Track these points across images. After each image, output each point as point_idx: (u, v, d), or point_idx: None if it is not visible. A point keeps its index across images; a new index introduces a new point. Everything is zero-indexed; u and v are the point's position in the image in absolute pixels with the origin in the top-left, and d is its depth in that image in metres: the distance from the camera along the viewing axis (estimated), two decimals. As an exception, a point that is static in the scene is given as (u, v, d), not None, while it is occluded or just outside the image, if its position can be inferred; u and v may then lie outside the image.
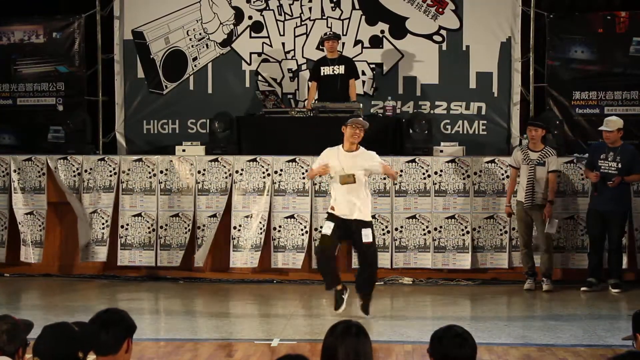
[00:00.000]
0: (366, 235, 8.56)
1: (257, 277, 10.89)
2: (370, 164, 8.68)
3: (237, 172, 10.84)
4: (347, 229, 8.62)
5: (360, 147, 8.76)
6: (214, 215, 10.84)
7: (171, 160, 10.97)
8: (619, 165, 10.02)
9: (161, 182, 10.95)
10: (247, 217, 10.80)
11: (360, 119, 8.79)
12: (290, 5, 12.37)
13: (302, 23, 12.38)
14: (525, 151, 10.29)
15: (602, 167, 10.08)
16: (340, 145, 8.74)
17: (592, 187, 10.22)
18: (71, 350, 3.71)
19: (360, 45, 12.27)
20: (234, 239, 10.80)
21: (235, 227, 10.80)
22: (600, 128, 10.29)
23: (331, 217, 8.68)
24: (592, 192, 10.19)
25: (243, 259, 10.79)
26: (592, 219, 10.20)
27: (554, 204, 10.20)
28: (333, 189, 8.78)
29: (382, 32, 12.23)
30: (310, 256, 10.66)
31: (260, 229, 10.75)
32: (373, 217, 10.32)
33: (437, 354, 3.72)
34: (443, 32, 12.15)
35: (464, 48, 12.12)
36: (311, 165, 10.64)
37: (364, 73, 12.14)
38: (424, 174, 10.69)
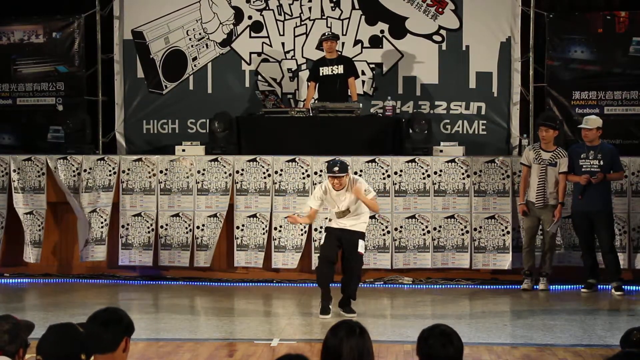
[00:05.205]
0: (361, 246, 8.84)
1: (257, 277, 10.90)
2: (359, 190, 8.74)
3: (237, 172, 10.84)
4: (341, 235, 8.81)
5: (350, 176, 8.85)
6: (214, 215, 10.85)
7: (171, 160, 10.98)
8: (601, 163, 10.04)
9: (161, 182, 10.95)
10: (250, 217, 10.81)
11: (336, 168, 8.68)
12: (290, 5, 12.37)
13: (302, 23, 12.38)
14: (537, 150, 10.26)
15: (584, 167, 10.09)
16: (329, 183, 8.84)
17: (577, 191, 10.17)
18: (75, 351, 3.71)
19: (360, 45, 12.27)
20: (237, 238, 10.80)
21: (238, 227, 10.81)
22: (579, 126, 10.34)
23: (327, 229, 8.99)
24: (576, 195, 10.16)
25: (247, 258, 10.81)
26: (578, 220, 10.20)
27: (564, 205, 10.20)
28: (330, 213, 9.04)
29: (382, 32, 12.24)
30: (309, 257, 10.67)
31: (263, 229, 10.76)
32: (373, 217, 10.36)
33: (421, 353, 3.73)
34: (443, 32, 12.15)
35: (464, 48, 12.12)
36: (310, 167, 10.68)
37: (363, 73, 12.15)
38: (423, 173, 10.69)
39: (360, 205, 8.84)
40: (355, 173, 10.17)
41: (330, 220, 9.00)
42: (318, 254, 9.21)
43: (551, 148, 10.25)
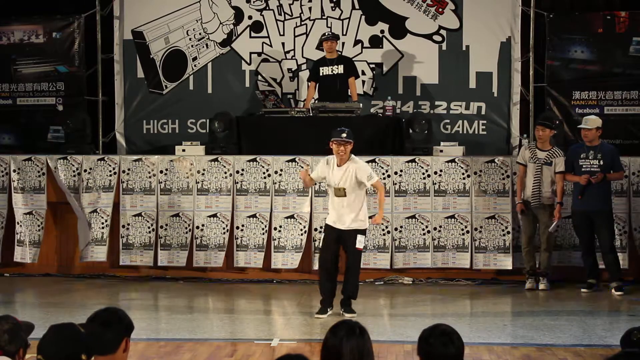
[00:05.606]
0: (359, 242, 8.68)
1: (257, 277, 10.90)
2: (359, 177, 8.62)
3: (237, 172, 10.84)
4: (340, 234, 8.71)
5: (353, 157, 8.72)
6: (214, 215, 10.84)
7: (171, 160, 10.98)
8: (601, 163, 10.04)
9: (161, 182, 10.95)
10: (249, 217, 10.81)
11: (344, 134, 8.59)
12: (290, 5, 12.37)
13: (302, 23, 12.38)
14: (533, 150, 10.27)
15: (584, 167, 10.08)
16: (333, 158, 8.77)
17: (576, 191, 10.16)
18: (75, 351, 3.71)
19: (360, 45, 12.27)
20: (237, 238, 10.80)
21: (238, 227, 10.81)
22: (579, 126, 10.35)
23: (326, 228, 8.85)
24: (576, 195, 10.15)
25: (247, 258, 10.80)
26: (578, 220, 10.20)
27: (563, 205, 10.19)
28: (329, 196, 8.92)
29: (382, 32, 12.24)
30: (309, 256, 10.67)
31: (263, 229, 10.76)
32: (372, 217, 10.34)
33: (422, 352, 3.73)
34: (443, 32, 12.15)
35: (464, 48, 12.13)
36: (311, 167, 10.66)
37: (363, 73, 12.15)
38: (423, 173, 10.69)
39: (359, 196, 8.67)
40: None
41: (329, 213, 8.86)
42: (318, 259, 9.07)
43: (547, 147, 10.26)
